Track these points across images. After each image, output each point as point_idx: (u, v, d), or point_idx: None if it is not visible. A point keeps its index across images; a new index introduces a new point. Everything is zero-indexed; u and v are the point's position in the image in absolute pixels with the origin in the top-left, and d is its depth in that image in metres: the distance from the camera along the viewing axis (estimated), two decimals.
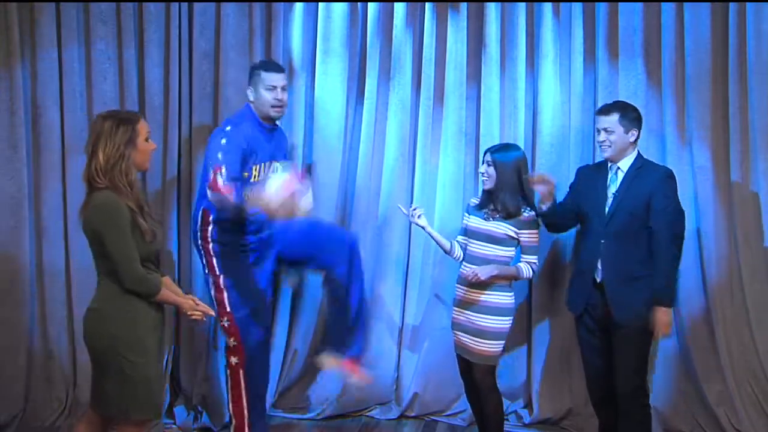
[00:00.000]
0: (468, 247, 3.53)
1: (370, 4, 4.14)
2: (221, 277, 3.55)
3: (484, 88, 4.12)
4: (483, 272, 3.37)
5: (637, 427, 3.42)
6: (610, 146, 3.41)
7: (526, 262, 3.44)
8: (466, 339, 3.46)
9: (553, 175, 4.05)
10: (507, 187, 3.40)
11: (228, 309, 3.54)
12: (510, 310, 3.46)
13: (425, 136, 4.17)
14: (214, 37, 4.12)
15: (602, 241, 3.39)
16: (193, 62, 4.15)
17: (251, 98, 3.56)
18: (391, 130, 4.18)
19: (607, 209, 3.42)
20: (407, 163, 4.20)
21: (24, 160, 4.05)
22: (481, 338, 3.41)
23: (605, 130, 3.41)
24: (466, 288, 3.48)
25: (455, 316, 3.55)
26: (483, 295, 3.43)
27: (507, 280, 3.44)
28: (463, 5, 4.12)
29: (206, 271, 3.60)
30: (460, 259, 3.60)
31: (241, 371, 3.58)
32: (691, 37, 3.93)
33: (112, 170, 2.68)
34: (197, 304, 2.91)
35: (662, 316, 3.32)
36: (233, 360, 3.58)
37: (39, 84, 4.09)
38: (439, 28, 4.14)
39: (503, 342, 3.47)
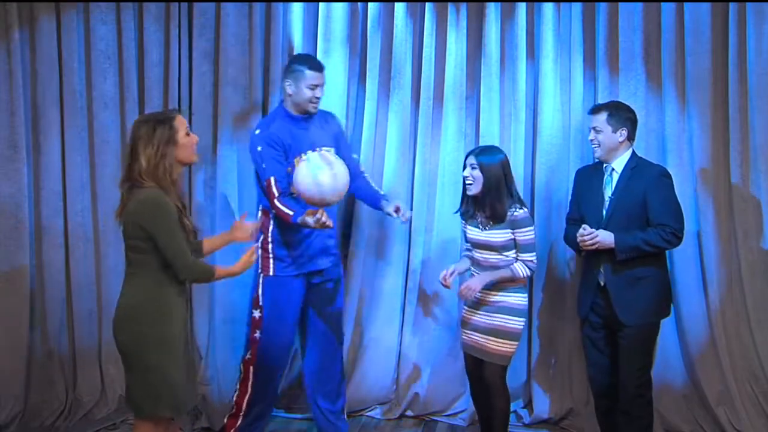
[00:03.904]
0: (474, 255, 3.49)
1: (370, 4, 4.14)
2: (266, 275, 3.65)
3: (484, 88, 4.12)
4: (475, 286, 3.36)
5: (639, 422, 3.43)
6: (598, 145, 3.44)
7: (522, 260, 3.39)
8: (480, 338, 3.43)
9: (552, 175, 4.09)
10: (495, 189, 3.34)
11: (261, 303, 3.66)
12: (523, 311, 3.43)
13: (425, 136, 4.17)
14: (214, 37, 4.13)
15: None
16: (193, 62, 4.15)
17: (289, 92, 3.58)
18: (391, 130, 4.18)
19: (604, 212, 3.43)
20: (407, 163, 4.20)
21: (24, 160, 4.06)
22: (497, 337, 3.38)
23: (594, 129, 3.45)
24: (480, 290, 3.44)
25: (466, 315, 3.51)
26: (497, 296, 3.40)
27: (504, 282, 3.39)
28: (463, 5, 4.11)
29: (257, 269, 3.67)
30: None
31: (251, 367, 3.69)
32: (691, 37, 3.93)
33: (155, 171, 2.72)
34: (249, 258, 2.94)
35: (607, 236, 3.30)
36: (248, 355, 3.70)
37: (39, 84, 4.10)
38: (439, 28, 4.14)
39: (518, 343, 3.45)
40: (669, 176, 3.44)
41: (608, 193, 3.44)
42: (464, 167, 3.44)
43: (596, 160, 3.56)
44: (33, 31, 4.07)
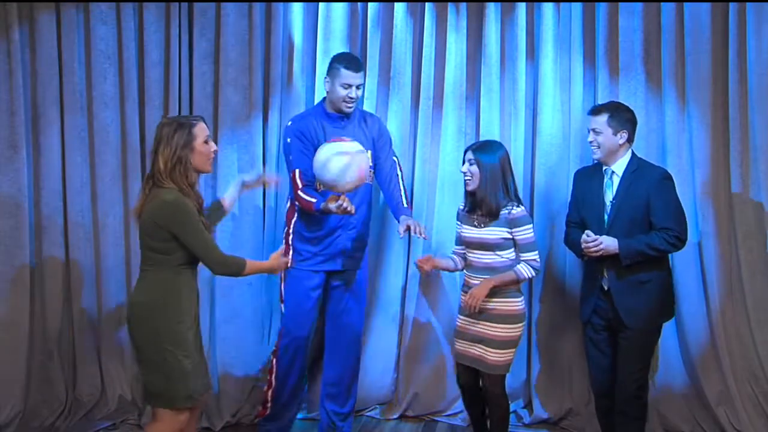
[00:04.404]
0: (468, 257, 3.43)
1: (370, 4, 4.14)
2: (287, 269, 3.71)
3: (484, 88, 4.12)
4: (480, 294, 3.26)
5: (636, 424, 3.42)
6: (598, 147, 3.37)
7: (524, 261, 3.32)
8: (476, 349, 3.35)
9: (552, 175, 4.09)
10: (491, 186, 3.28)
11: (282, 298, 3.78)
12: (521, 316, 3.36)
13: (425, 136, 4.17)
14: (214, 37, 4.13)
15: None
16: (193, 62, 4.16)
17: (326, 88, 3.66)
18: (391, 130, 4.16)
19: (606, 217, 3.38)
20: (407, 163, 4.19)
21: (24, 160, 4.06)
22: (494, 348, 3.30)
23: (594, 130, 3.38)
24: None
25: (461, 324, 3.43)
26: (493, 303, 3.31)
27: (509, 286, 3.33)
28: (463, 5, 4.12)
29: None
30: (461, 268, 3.53)
31: (274, 360, 3.80)
32: (691, 37, 3.93)
33: (172, 172, 2.82)
34: (281, 255, 3.12)
35: (611, 242, 3.27)
36: (275, 346, 3.83)
37: (39, 84, 4.10)
38: (439, 28, 4.14)
39: (515, 349, 3.38)
40: (670, 178, 3.40)
41: (609, 197, 3.39)
42: (463, 162, 3.39)
43: (595, 162, 3.52)
44: (33, 31, 4.07)
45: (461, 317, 3.44)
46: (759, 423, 3.87)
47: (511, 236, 3.32)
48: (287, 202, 3.79)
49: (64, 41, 4.09)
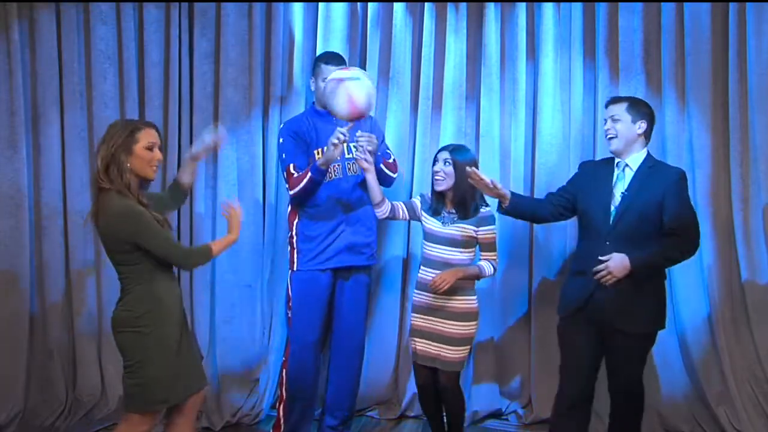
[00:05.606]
0: (425, 251, 3.45)
1: (370, 4, 4.14)
2: (293, 271, 3.69)
3: (484, 88, 4.12)
4: (450, 278, 3.29)
5: (629, 425, 3.37)
6: (615, 136, 3.24)
7: (486, 259, 3.38)
8: (432, 347, 3.39)
9: (552, 175, 4.09)
10: (466, 186, 3.32)
11: (290, 302, 3.71)
12: (477, 313, 3.41)
13: (424, 136, 4.17)
14: (214, 37, 4.13)
15: (607, 243, 3.18)
16: (193, 62, 4.16)
17: (312, 88, 3.70)
18: (390, 130, 4.18)
19: (613, 208, 3.23)
20: (406, 163, 4.20)
21: (24, 160, 4.06)
22: (452, 345, 3.35)
23: (612, 118, 3.27)
24: (430, 294, 3.38)
25: (417, 322, 3.46)
26: (449, 301, 3.36)
27: (471, 279, 3.38)
28: (463, 5, 4.12)
29: (289, 266, 3.76)
30: (383, 216, 3.52)
31: (284, 370, 3.72)
32: (691, 37, 3.93)
33: (106, 171, 2.77)
34: (235, 214, 3.04)
35: (620, 264, 3.13)
36: (284, 357, 3.75)
37: (39, 84, 4.10)
38: (439, 28, 4.14)
39: (470, 347, 3.44)
40: (686, 178, 3.27)
41: (620, 189, 3.25)
42: (434, 163, 3.43)
43: (606, 157, 3.41)
44: (33, 31, 4.08)
45: (416, 315, 3.48)
46: (759, 423, 3.87)
47: (475, 235, 3.38)
48: (288, 207, 3.77)
49: (64, 41, 4.09)
